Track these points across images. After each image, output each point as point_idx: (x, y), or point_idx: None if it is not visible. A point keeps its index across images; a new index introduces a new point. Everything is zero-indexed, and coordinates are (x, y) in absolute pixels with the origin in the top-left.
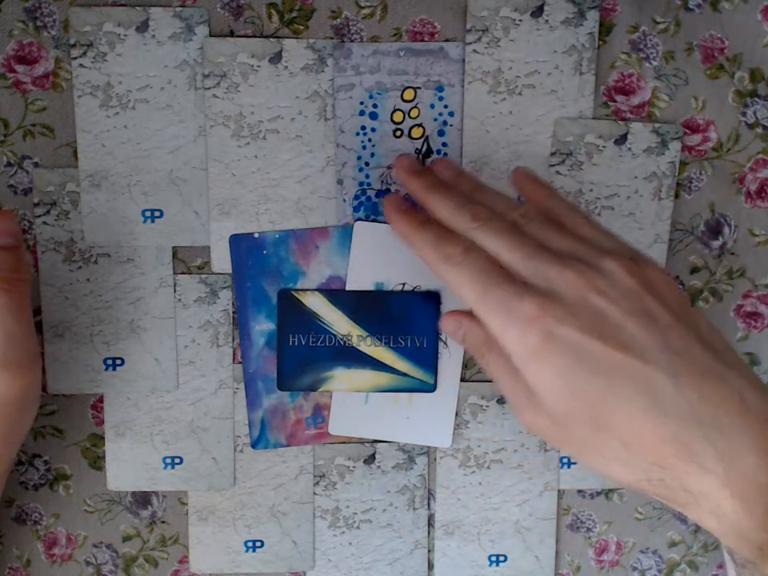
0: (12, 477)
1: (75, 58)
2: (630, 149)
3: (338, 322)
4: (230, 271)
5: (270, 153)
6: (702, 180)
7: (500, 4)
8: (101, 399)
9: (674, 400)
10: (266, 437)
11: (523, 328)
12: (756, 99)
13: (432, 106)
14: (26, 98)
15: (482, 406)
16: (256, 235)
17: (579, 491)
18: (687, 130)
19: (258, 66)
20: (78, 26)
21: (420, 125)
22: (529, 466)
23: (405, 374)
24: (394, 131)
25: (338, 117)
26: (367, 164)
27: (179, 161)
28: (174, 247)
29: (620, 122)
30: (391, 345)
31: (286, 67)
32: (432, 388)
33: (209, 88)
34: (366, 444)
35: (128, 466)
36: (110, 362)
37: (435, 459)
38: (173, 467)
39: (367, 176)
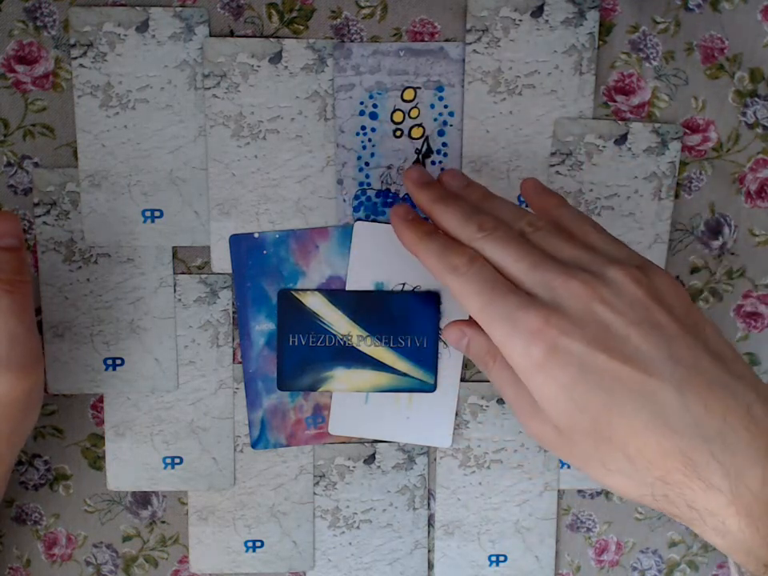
0: (12, 477)
1: (75, 58)
2: (629, 149)
3: (338, 322)
4: (230, 271)
5: (270, 153)
6: (701, 180)
7: (500, 4)
8: (101, 399)
9: (678, 413)
10: (266, 437)
11: (527, 340)
12: (756, 99)
13: (432, 106)
14: (25, 98)
15: (481, 406)
16: (256, 235)
17: (579, 491)
18: (687, 130)
19: (258, 66)
20: (78, 26)
21: (420, 125)
22: (529, 466)
23: (405, 374)
24: (394, 131)
25: (338, 117)
26: (367, 164)
27: (179, 161)
28: (173, 247)
29: (620, 122)
30: (391, 345)
31: (286, 67)
32: (432, 388)
33: (209, 88)
34: (366, 444)
35: (128, 466)
36: (109, 362)
37: (435, 459)
38: (173, 467)
39: (367, 176)
